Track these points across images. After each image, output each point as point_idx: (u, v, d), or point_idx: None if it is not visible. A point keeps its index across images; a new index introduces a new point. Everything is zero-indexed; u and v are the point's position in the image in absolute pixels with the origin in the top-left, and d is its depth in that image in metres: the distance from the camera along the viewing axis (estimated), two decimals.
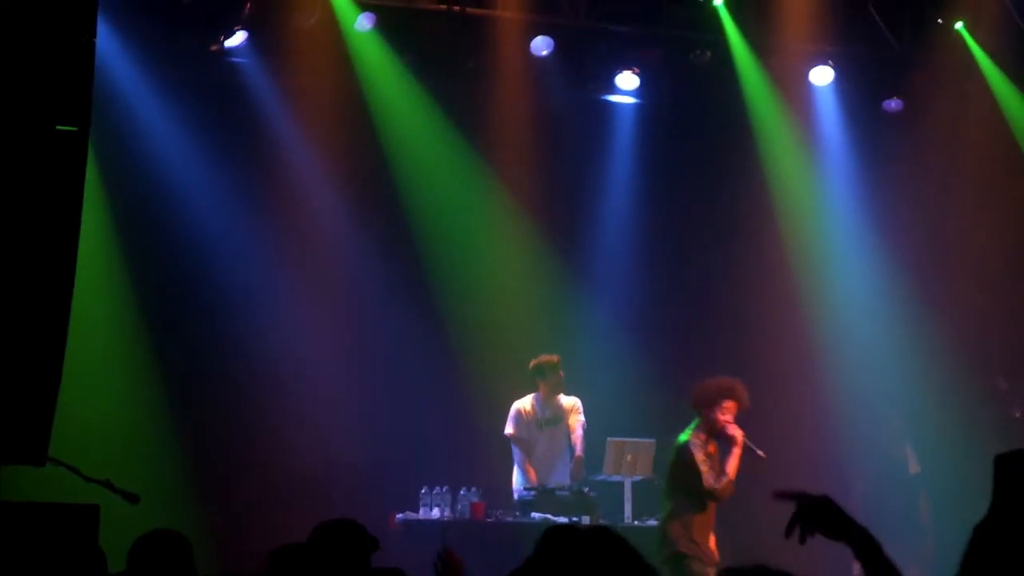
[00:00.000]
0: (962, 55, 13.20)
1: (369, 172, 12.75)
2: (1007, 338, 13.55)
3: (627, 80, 12.92)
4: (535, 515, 10.97)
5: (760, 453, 9.77)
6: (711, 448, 9.84)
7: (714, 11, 12.77)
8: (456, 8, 12.28)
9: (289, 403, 12.28)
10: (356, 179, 12.72)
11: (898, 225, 13.59)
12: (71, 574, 5.46)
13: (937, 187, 13.51)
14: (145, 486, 8.16)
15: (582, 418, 11.65)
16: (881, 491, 12.33)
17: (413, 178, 12.95)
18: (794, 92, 13.29)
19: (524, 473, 11.61)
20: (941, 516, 12.35)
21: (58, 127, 6.64)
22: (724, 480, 9.74)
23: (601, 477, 11.53)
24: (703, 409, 9.85)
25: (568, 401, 11.72)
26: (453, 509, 11.10)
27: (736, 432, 9.82)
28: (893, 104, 13.34)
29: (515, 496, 11.54)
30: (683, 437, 9.83)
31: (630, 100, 13.38)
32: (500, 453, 11.80)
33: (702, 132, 13.47)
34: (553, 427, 11.70)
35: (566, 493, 11.20)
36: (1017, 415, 13.13)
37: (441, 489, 11.13)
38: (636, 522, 11.30)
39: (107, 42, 11.00)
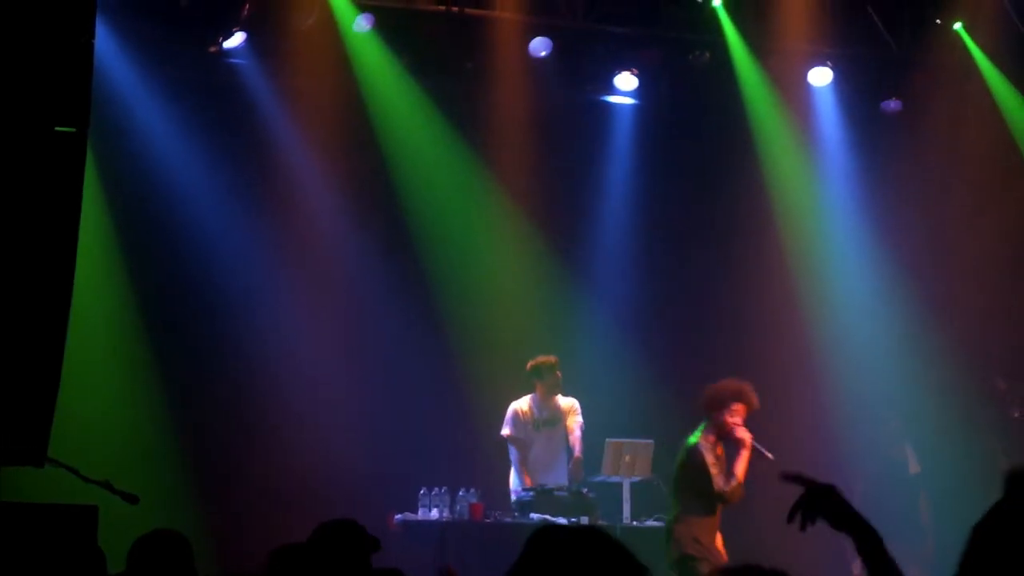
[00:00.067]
0: (961, 56, 13.21)
1: (368, 173, 12.76)
2: (1006, 338, 13.56)
3: (626, 81, 12.93)
4: (534, 516, 10.97)
5: (769, 455, 9.71)
6: (719, 451, 9.82)
7: (713, 12, 12.77)
8: (455, 9, 12.28)
9: (289, 403, 12.29)
10: (355, 180, 12.73)
11: (897, 225, 13.60)
12: (71, 575, 5.46)
13: (936, 187, 13.52)
14: (145, 486, 8.19)
15: (580, 419, 11.64)
16: (881, 491, 12.32)
17: (412, 179, 12.96)
18: (793, 93, 13.30)
19: (520, 474, 11.60)
20: (941, 516, 12.36)
21: (57, 128, 6.64)
22: (733, 483, 9.70)
23: (600, 478, 11.52)
24: (712, 412, 9.80)
25: (566, 402, 11.70)
26: (452, 510, 11.09)
27: (745, 435, 9.78)
28: (892, 105, 13.35)
29: (512, 497, 11.53)
30: (692, 439, 9.79)
31: (629, 101, 13.39)
32: (499, 454, 11.80)
33: (701, 133, 13.47)
34: (550, 428, 11.68)
35: (565, 494, 11.20)
36: (1016, 415, 13.14)
37: (440, 490, 11.13)
38: (635, 523, 11.30)
39: (106, 43, 10.99)
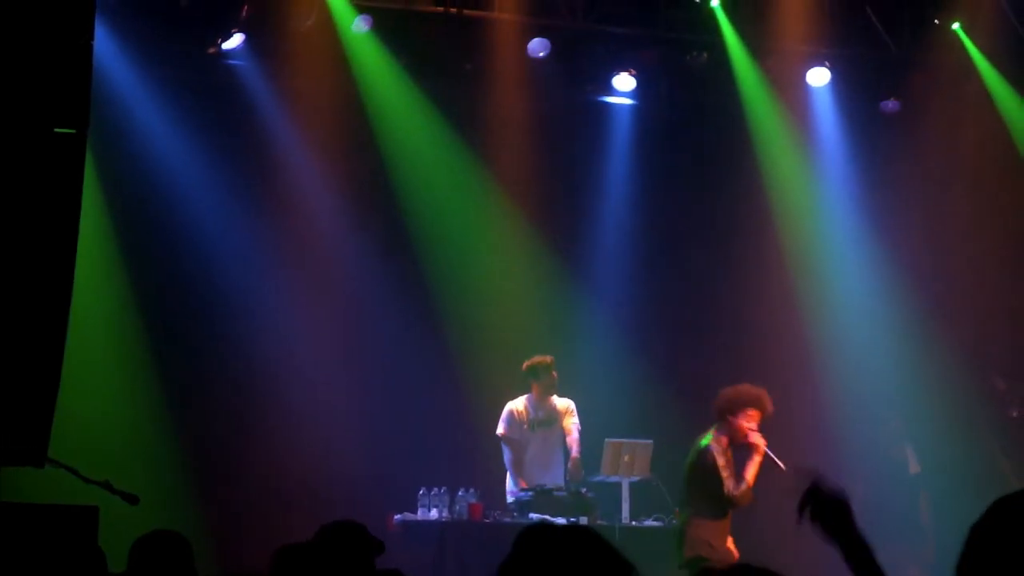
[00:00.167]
0: (959, 56, 13.22)
1: (367, 174, 12.76)
2: (1006, 338, 13.57)
3: (624, 82, 12.93)
4: (533, 516, 10.97)
5: (781, 466, 9.66)
6: (729, 454, 9.80)
7: (711, 13, 12.78)
8: (453, 10, 12.29)
9: (289, 403, 12.29)
10: (354, 181, 12.73)
11: (896, 226, 13.60)
12: (71, 575, 5.46)
13: (935, 187, 13.52)
14: (145, 486, 8.20)
15: (576, 421, 11.61)
16: (881, 491, 12.33)
17: (411, 179, 12.96)
18: (791, 93, 13.30)
19: (514, 476, 11.59)
20: (941, 516, 12.36)
21: (56, 130, 6.65)
22: (744, 486, 9.67)
23: (599, 478, 11.52)
24: (728, 415, 9.78)
25: (562, 403, 11.69)
26: (451, 510, 11.10)
27: (759, 441, 9.77)
28: (890, 105, 13.35)
29: (508, 498, 11.52)
30: (704, 441, 9.77)
31: (627, 101, 13.39)
32: (498, 454, 11.79)
33: (699, 133, 13.48)
34: (546, 428, 11.67)
35: (564, 494, 11.20)
36: (1014, 415, 13.16)
37: (439, 490, 11.14)
38: (634, 522, 11.30)
39: (105, 44, 10.99)
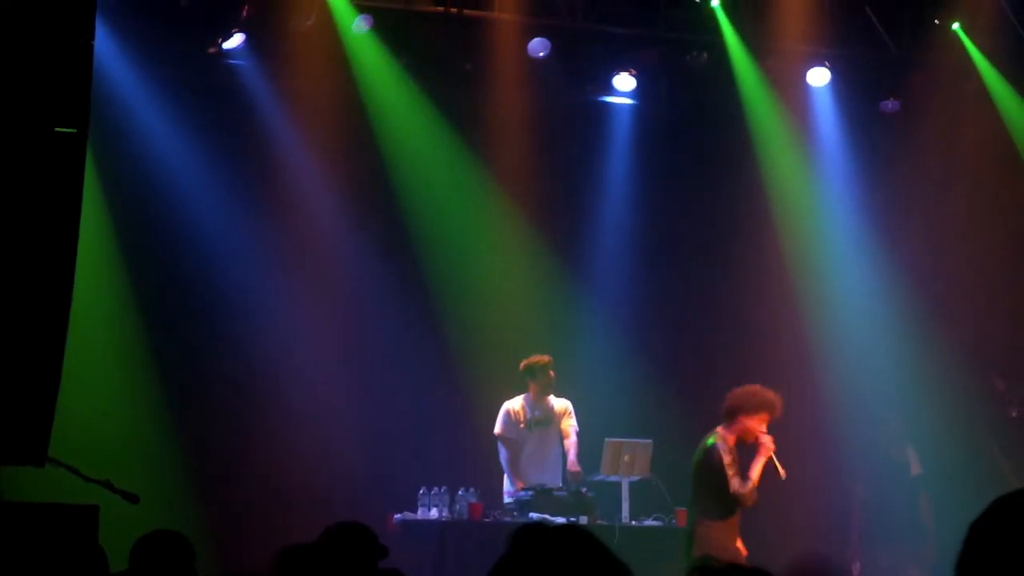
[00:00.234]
0: (959, 56, 13.22)
1: (367, 174, 12.77)
2: (1006, 338, 13.57)
3: (624, 82, 12.94)
4: (533, 515, 10.97)
5: (782, 472, 9.68)
6: (735, 453, 9.80)
7: (711, 13, 12.78)
8: (453, 10, 12.30)
9: (289, 403, 12.30)
10: (354, 180, 12.74)
11: (896, 226, 13.61)
12: (71, 574, 5.47)
13: (935, 187, 13.53)
14: (145, 486, 8.20)
15: (575, 423, 11.58)
16: (882, 492, 12.33)
17: (411, 179, 12.97)
18: (791, 93, 13.31)
19: (511, 475, 11.59)
20: (941, 516, 12.36)
21: (57, 129, 6.65)
22: (749, 485, 9.68)
23: (599, 477, 11.51)
24: (740, 414, 9.79)
25: (559, 404, 11.68)
26: (451, 509, 11.10)
27: (768, 443, 9.78)
28: (890, 105, 13.35)
29: (505, 498, 11.52)
30: (711, 440, 9.77)
31: (627, 101, 13.40)
32: (498, 454, 11.80)
33: (699, 133, 13.49)
34: (543, 428, 11.66)
35: (564, 494, 11.20)
36: (1014, 415, 13.16)
37: (439, 489, 11.14)
38: (633, 522, 11.30)
39: (105, 44, 11.00)
